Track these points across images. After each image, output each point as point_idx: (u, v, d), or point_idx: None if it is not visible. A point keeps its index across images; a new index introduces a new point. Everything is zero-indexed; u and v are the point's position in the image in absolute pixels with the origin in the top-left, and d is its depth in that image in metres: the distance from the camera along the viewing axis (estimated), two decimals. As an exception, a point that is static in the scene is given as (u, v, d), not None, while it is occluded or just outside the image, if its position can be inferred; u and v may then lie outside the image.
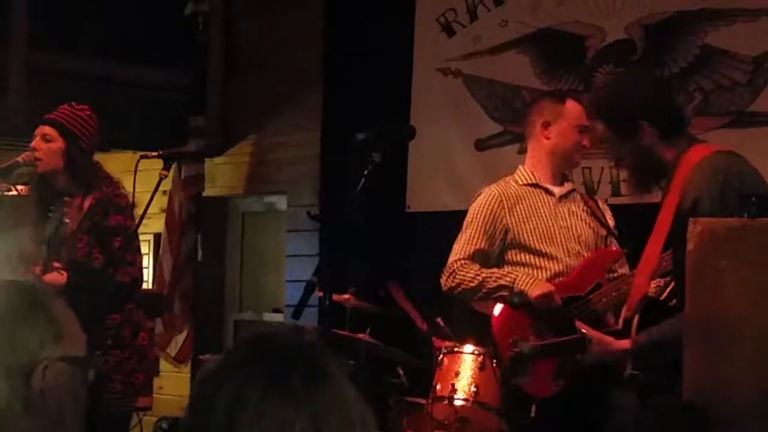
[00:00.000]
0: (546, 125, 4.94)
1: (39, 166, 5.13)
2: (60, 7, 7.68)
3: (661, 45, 6.32)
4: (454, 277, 4.87)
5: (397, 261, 7.25)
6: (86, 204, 5.04)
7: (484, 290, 4.79)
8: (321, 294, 4.71)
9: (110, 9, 7.86)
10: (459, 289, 4.86)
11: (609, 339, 3.96)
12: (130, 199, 5.12)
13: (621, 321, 4.02)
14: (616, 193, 6.40)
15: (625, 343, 3.86)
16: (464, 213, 5.11)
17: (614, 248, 4.96)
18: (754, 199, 3.10)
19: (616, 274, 4.80)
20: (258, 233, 8.84)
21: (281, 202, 8.39)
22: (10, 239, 5.15)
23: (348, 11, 7.75)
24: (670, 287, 3.83)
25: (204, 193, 8.30)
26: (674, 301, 3.73)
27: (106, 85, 7.85)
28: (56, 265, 4.96)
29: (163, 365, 8.09)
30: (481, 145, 7.04)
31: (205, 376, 1.64)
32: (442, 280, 4.92)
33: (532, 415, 4.56)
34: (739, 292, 3.09)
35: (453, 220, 5.20)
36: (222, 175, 8.55)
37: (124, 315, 5.01)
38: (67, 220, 5.09)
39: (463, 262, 4.86)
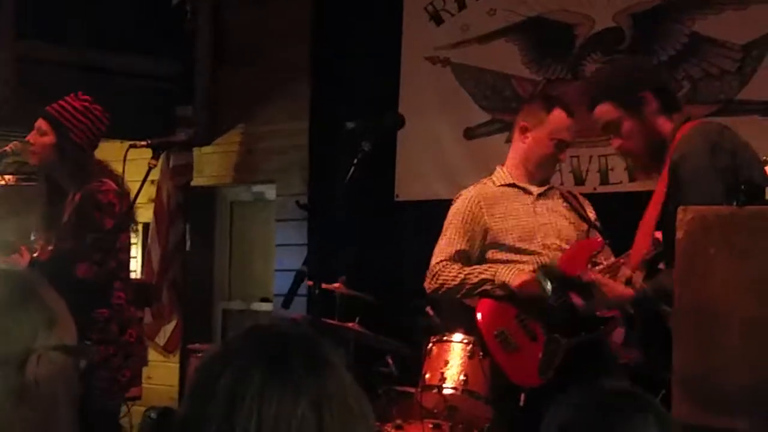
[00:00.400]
0: (524, 129, 4.99)
1: (33, 159, 5.10)
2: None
3: (649, 33, 6.33)
4: (437, 279, 4.89)
5: (386, 250, 7.25)
6: (77, 198, 5.01)
7: (468, 286, 4.80)
8: (311, 283, 4.71)
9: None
10: (443, 289, 4.88)
11: (615, 283, 4.06)
12: (117, 197, 5.02)
13: (623, 281, 4.07)
14: (604, 181, 6.41)
15: (628, 290, 3.95)
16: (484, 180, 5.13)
17: (596, 239, 4.96)
18: (742, 187, 3.12)
19: (601, 266, 4.80)
20: (246, 222, 8.84)
21: (270, 192, 8.38)
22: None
23: (336, 0, 7.74)
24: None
25: (192, 183, 8.29)
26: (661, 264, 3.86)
27: (94, 74, 7.82)
28: (22, 248, 4.93)
29: (152, 355, 8.08)
30: (470, 134, 7.05)
31: (205, 364, 1.64)
32: (426, 284, 4.94)
33: (521, 404, 4.57)
34: (728, 279, 3.09)
35: (442, 209, 5.20)
36: (210, 165, 8.53)
37: (112, 310, 4.96)
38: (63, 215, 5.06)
39: (444, 263, 4.89)
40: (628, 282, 4.01)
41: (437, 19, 7.26)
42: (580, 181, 6.50)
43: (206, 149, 8.48)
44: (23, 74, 7.49)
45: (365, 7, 7.56)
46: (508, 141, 5.41)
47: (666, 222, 3.81)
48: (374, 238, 7.28)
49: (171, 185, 8.12)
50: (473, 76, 7.09)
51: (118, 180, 5.09)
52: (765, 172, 3.81)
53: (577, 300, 4.38)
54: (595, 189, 6.40)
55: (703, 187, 3.70)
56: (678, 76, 6.18)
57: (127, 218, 5.05)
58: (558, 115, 4.91)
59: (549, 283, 4.56)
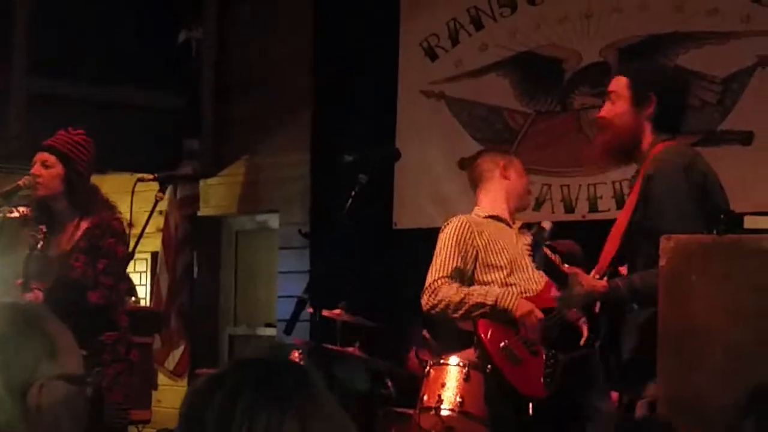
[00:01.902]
0: (506, 167, 5.17)
1: (40, 191, 5.11)
2: (59, 34, 7.70)
3: (634, 66, 6.35)
4: (436, 295, 4.88)
5: (385, 275, 7.26)
6: (83, 225, 5.02)
7: (467, 306, 4.81)
8: (311, 311, 4.72)
9: (107, 35, 7.88)
10: (441, 305, 4.87)
11: (590, 278, 4.03)
12: (125, 226, 5.10)
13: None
14: (593, 209, 6.42)
15: (602, 282, 3.94)
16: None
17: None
18: (722, 216, 3.13)
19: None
20: (251, 250, 8.84)
21: (273, 221, 8.39)
22: (10, 261, 5.14)
23: (336, 37, 7.78)
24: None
25: (199, 213, 8.30)
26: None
27: (103, 108, 7.86)
28: (33, 286, 4.93)
29: (161, 379, 8.09)
30: (464, 164, 7.06)
31: (196, 390, 1.66)
32: (423, 300, 4.93)
33: (530, 413, 4.59)
34: (709, 304, 3.11)
35: (438, 236, 5.22)
36: (216, 195, 8.55)
37: (120, 333, 5.01)
38: (59, 242, 5.07)
39: (444, 279, 4.90)
40: None
41: (432, 54, 7.29)
42: (569, 209, 6.52)
43: (212, 180, 8.50)
44: (34, 109, 7.52)
45: (363, 43, 7.59)
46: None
47: (632, 231, 3.87)
48: (373, 265, 7.29)
49: (178, 215, 8.14)
50: (466, 109, 7.12)
51: (116, 210, 5.15)
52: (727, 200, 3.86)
53: (555, 288, 4.40)
54: (584, 216, 6.43)
55: (676, 203, 3.73)
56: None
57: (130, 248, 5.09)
58: (515, 158, 5.33)
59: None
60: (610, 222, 4.94)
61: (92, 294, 4.88)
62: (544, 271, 4.46)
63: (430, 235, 5.24)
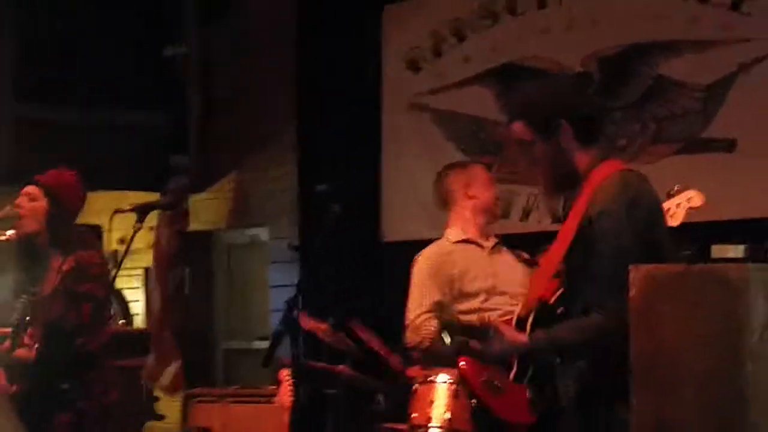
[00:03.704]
0: (468, 186, 5.09)
1: (23, 226, 5.06)
2: (43, 58, 7.70)
3: (616, 76, 6.33)
4: (419, 332, 4.88)
5: (374, 289, 7.23)
6: (64, 267, 4.96)
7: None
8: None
9: (92, 58, 7.88)
10: (425, 342, 4.87)
11: (508, 328, 3.74)
12: (104, 269, 5.03)
13: (514, 318, 3.87)
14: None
15: (522, 337, 3.75)
16: (437, 240, 5.14)
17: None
18: (688, 252, 3.09)
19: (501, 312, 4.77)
20: (244, 264, 8.82)
21: (264, 234, 8.38)
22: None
23: (319, 52, 7.75)
24: (559, 293, 3.74)
25: (189, 228, 8.29)
26: (560, 309, 3.67)
27: (91, 128, 7.86)
28: (25, 342, 4.89)
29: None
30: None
31: None
32: (407, 337, 4.92)
33: None
34: (679, 334, 3.07)
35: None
36: (206, 210, 8.54)
37: (97, 373, 4.94)
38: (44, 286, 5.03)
39: (425, 316, 4.88)
40: (520, 322, 3.81)
41: (415, 67, 7.27)
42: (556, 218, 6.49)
43: (201, 196, 8.49)
44: (21, 134, 7.51)
45: (347, 57, 7.56)
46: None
47: (571, 269, 3.57)
48: (363, 278, 7.27)
49: (168, 232, 8.12)
50: (451, 121, 7.10)
51: (96, 248, 5.10)
52: (666, 222, 3.69)
53: (474, 344, 4.34)
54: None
55: (619, 245, 3.45)
56: (644, 116, 6.19)
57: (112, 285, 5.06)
58: (477, 166, 5.24)
59: (448, 337, 4.60)
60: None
61: (80, 339, 4.83)
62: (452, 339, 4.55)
63: (419, 248, 5.23)
